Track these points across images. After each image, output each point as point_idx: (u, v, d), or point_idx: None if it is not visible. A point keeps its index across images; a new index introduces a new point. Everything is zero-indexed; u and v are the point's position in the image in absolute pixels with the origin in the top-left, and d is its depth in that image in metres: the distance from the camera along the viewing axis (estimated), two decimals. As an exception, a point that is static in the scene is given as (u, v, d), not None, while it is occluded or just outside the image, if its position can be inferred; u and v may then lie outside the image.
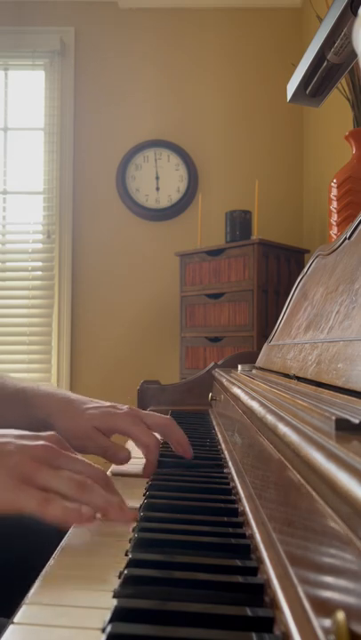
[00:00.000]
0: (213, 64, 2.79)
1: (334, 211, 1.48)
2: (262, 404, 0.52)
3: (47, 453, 0.49)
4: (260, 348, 1.16)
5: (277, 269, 2.17)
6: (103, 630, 0.32)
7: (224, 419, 0.95)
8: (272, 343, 1.02)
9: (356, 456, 0.26)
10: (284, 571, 0.35)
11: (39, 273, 2.81)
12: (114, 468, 0.73)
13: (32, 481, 0.47)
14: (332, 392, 0.52)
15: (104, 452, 0.71)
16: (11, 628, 0.33)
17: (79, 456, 0.53)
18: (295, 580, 0.33)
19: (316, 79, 0.65)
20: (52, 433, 0.53)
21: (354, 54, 0.60)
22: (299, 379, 0.68)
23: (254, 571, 0.40)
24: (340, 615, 0.23)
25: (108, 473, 0.72)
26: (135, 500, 0.56)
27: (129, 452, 0.71)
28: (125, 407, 0.72)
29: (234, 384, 0.80)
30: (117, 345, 2.74)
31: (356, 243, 0.70)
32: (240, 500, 0.55)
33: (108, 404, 0.74)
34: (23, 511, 0.45)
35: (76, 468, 0.50)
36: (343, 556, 0.24)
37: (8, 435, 0.51)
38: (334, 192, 1.48)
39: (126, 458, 0.71)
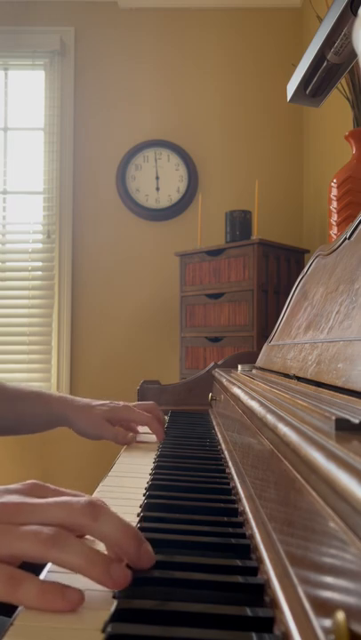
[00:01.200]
0: (213, 64, 2.79)
1: (334, 211, 1.48)
2: (262, 404, 0.52)
3: (6, 510, 0.39)
4: (260, 348, 1.16)
5: (277, 269, 2.17)
6: (103, 630, 0.32)
7: (224, 419, 0.95)
8: (272, 343, 1.02)
9: (357, 456, 0.26)
10: (284, 571, 0.35)
11: (39, 273, 2.81)
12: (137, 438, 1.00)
13: None
14: (332, 392, 0.52)
15: (115, 437, 0.95)
16: (11, 628, 0.33)
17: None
18: (295, 580, 0.33)
19: (316, 79, 0.65)
20: (27, 482, 0.43)
21: (354, 54, 0.60)
22: (299, 379, 0.68)
23: (254, 571, 0.40)
24: (340, 615, 0.23)
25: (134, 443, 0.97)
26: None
27: (133, 436, 0.98)
28: (121, 403, 0.98)
29: (234, 384, 0.80)
30: (117, 345, 2.74)
31: (356, 243, 0.70)
32: (240, 499, 0.55)
33: (108, 401, 0.99)
34: None
35: (48, 516, 0.38)
36: (343, 556, 0.24)
37: None
38: (334, 192, 1.48)
39: (132, 439, 0.97)
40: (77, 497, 0.40)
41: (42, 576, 0.39)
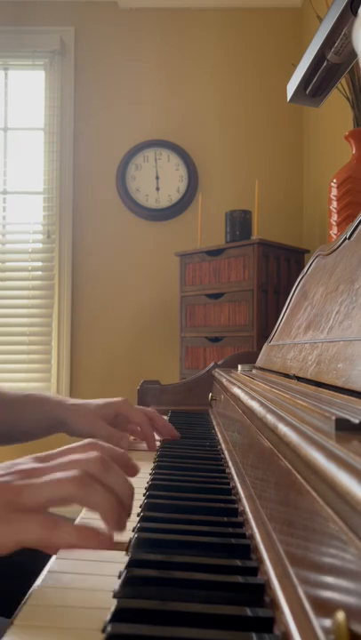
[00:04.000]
0: (213, 64, 2.79)
1: (334, 211, 1.48)
2: (262, 404, 0.52)
3: (24, 473, 0.42)
4: (260, 348, 1.16)
5: (277, 269, 2.17)
6: (103, 630, 0.32)
7: (224, 419, 0.95)
8: (272, 343, 1.02)
9: (357, 456, 0.26)
10: (285, 571, 0.35)
11: (39, 273, 2.81)
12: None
13: (20, 505, 0.39)
14: (332, 392, 0.52)
15: (109, 438, 0.87)
16: (12, 628, 0.33)
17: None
18: (295, 580, 0.33)
19: (316, 79, 0.65)
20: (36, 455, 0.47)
21: (354, 54, 0.60)
22: (299, 379, 0.68)
23: (254, 571, 0.40)
24: (340, 615, 0.23)
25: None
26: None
27: (128, 438, 0.90)
28: (119, 398, 0.92)
29: (234, 384, 0.80)
30: (117, 345, 2.74)
31: (356, 243, 0.70)
32: (240, 499, 0.55)
33: (107, 399, 0.93)
34: (25, 544, 0.39)
35: (66, 466, 0.43)
36: (343, 556, 0.24)
37: None
38: (334, 192, 1.48)
39: (126, 444, 0.88)
40: (88, 454, 0.45)
41: (47, 567, 0.41)
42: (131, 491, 0.45)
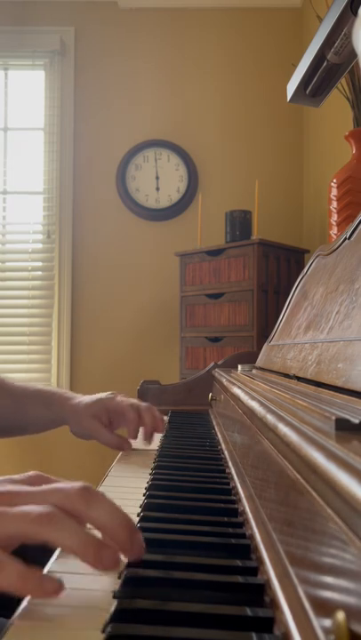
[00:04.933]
0: (213, 64, 2.79)
1: (334, 211, 1.48)
2: (262, 404, 0.52)
3: (3, 497, 0.39)
4: (260, 348, 1.16)
5: (277, 269, 2.17)
6: (103, 630, 0.32)
7: (224, 419, 0.95)
8: (272, 343, 1.02)
9: (357, 456, 0.26)
10: (285, 571, 0.35)
11: (39, 273, 2.81)
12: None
13: None
14: (332, 392, 0.52)
15: (108, 443, 0.88)
16: (11, 628, 0.33)
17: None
18: (295, 580, 0.33)
19: (316, 79, 0.65)
20: (29, 473, 0.45)
21: (354, 54, 0.60)
22: (299, 379, 0.68)
23: (254, 571, 0.40)
24: (340, 615, 0.23)
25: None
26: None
27: (128, 442, 0.89)
28: (108, 392, 0.92)
29: (234, 384, 0.80)
30: (117, 345, 2.74)
31: (356, 243, 0.70)
32: (240, 500, 0.55)
33: (102, 394, 0.92)
34: None
35: (43, 501, 0.39)
36: (343, 556, 0.24)
37: None
38: (334, 192, 1.48)
39: (128, 446, 0.89)
40: (72, 483, 0.40)
41: (47, 567, 0.40)
42: (122, 523, 0.39)
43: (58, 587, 0.35)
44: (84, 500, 0.39)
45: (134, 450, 0.91)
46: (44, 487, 0.40)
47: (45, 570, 0.40)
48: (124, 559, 0.39)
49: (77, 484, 0.40)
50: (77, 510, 0.38)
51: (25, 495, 0.39)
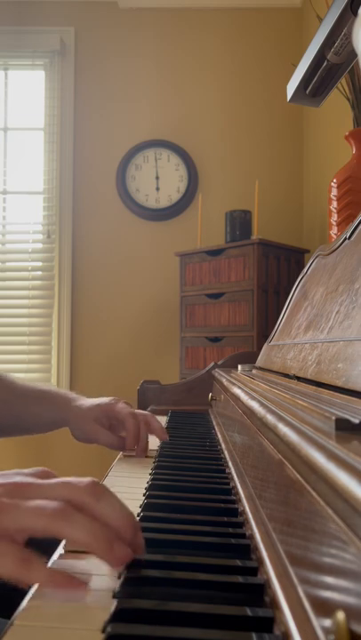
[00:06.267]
0: (213, 64, 2.79)
1: (334, 211, 1.48)
2: (262, 404, 0.52)
3: (15, 488, 0.40)
4: (260, 348, 1.16)
5: (277, 269, 2.17)
6: (103, 630, 0.32)
7: (224, 419, 0.95)
8: (272, 343, 1.02)
9: (357, 456, 0.26)
10: (285, 571, 0.35)
11: (39, 273, 2.81)
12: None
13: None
14: (332, 392, 0.52)
15: (109, 444, 0.88)
16: (11, 628, 0.33)
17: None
18: (295, 580, 0.33)
19: (316, 79, 0.65)
20: (37, 468, 0.45)
21: (354, 54, 0.60)
22: (299, 379, 0.68)
23: (254, 571, 0.40)
24: (340, 615, 0.23)
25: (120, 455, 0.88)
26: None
27: (130, 445, 0.87)
28: (110, 398, 0.91)
29: (234, 384, 0.80)
30: (117, 345, 2.74)
31: (356, 243, 0.70)
32: (240, 500, 0.55)
33: (104, 398, 0.91)
34: None
35: (53, 493, 0.40)
36: (343, 556, 0.24)
37: None
38: (334, 192, 1.48)
39: (129, 445, 0.87)
40: (81, 478, 0.41)
41: (52, 560, 0.41)
42: (128, 520, 0.40)
43: (82, 584, 0.37)
44: (93, 495, 0.40)
45: (134, 450, 0.90)
46: (54, 480, 0.41)
47: (55, 552, 0.41)
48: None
49: (86, 479, 0.41)
50: (87, 504, 0.39)
51: (36, 487, 0.40)
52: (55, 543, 0.43)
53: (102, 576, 0.40)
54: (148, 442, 0.89)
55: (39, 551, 0.38)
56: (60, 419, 0.93)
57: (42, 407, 0.94)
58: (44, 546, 0.41)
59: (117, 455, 0.88)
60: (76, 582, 0.37)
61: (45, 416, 0.94)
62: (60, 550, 0.44)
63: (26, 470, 0.44)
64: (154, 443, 0.91)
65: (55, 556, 0.43)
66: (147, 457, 0.86)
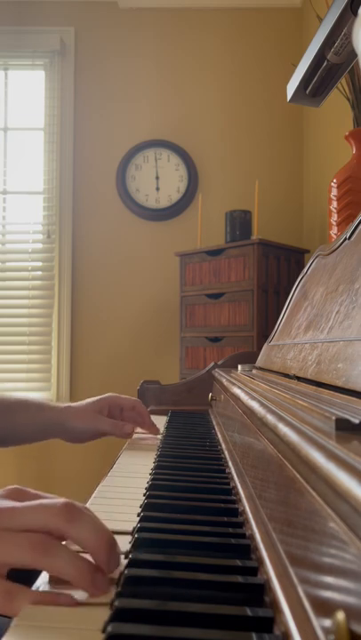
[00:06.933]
0: (213, 64, 2.79)
1: (334, 211, 1.48)
2: (262, 404, 0.52)
3: None
4: (260, 348, 1.16)
5: (277, 269, 2.17)
6: (103, 630, 0.32)
7: (224, 419, 0.95)
8: (272, 343, 1.02)
9: (357, 456, 0.26)
10: (285, 571, 0.35)
11: (39, 273, 2.81)
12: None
13: None
14: (332, 392, 0.52)
15: (112, 429, 0.93)
16: (11, 628, 0.33)
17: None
18: (295, 580, 0.33)
19: (316, 79, 0.65)
20: (7, 488, 0.44)
21: (354, 54, 0.60)
22: (299, 379, 0.68)
23: (254, 571, 0.40)
24: (340, 615, 0.23)
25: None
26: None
27: (132, 427, 0.95)
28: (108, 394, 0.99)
29: (234, 384, 0.80)
30: (117, 345, 2.74)
31: (356, 243, 0.70)
32: (240, 499, 0.55)
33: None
34: None
35: (26, 519, 0.39)
36: (343, 556, 0.24)
37: None
38: (334, 192, 1.48)
39: (130, 430, 0.94)
40: (54, 500, 0.41)
41: (36, 584, 0.40)
42: (102, 541, 0.39)
43: (72, 601, 0.37)
44: (66, 520, 0.39)
45: (134, 449, 0.91)
46: (27, 504, 0.40)
47: (39, 579, 0.41)
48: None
49: (60, 501, 0.40)
50: (60, 530, 0.39)
51: (10, 513, 0.39)
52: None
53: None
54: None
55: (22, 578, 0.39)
56: (53, 426, 0.94)
57: (28, 413, 0.95)
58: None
59: (117, 456, 0.88)
60: (63, 600, 0.36)
61: (33, 422, 0.95)
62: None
63: None
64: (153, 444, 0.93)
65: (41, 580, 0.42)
66: (147, 454, 0.86)
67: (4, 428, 0.95)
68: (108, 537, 0.40)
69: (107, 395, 0.98)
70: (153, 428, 1.00)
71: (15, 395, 0.99)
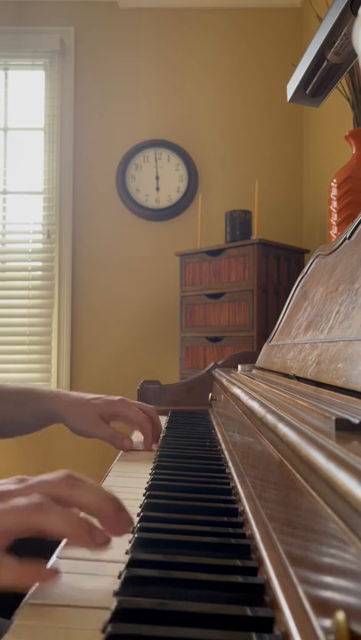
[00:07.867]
0: (213, 64, 2.79)
1: (334, 211, 1.48)
2: (262, 404, 0.52)
3: None
4: (260, 348, 1.16)
5: (277, 269, 2.17)
6: (103, 630, 0.32)
7: (224, 419, 0.95)
8: (272, 343, 1.02)
9: (357, 456, 0.26)
10: (285, 571, 0.35)
11: (39, 273, 2.81)
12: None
13: None
14: (332, 392, 0.52)
15: (111, 439, 0.88)
16: (11, 628, 0.33)
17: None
18: (295, 580, 0.33)
19: (316, 79, 0.65)
20: (15, 477, 0.44)
21: (354, 54, 0.60)
22: (299, 379, 0.68)
23: (254, 571, 0.40)
24: (340, 615, 0.23)
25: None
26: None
27: (132, 440, 0.89)
28: (117, 397, 0.90)
29: (234, 384, 0.80)
30: (117, 345, 2.74)
31: (356, 243, 0.70)
32: (240, 499, 0.55)
33: (102, 395, 0.91)
34: None
35: (33, 488, 0.40)
36: (343, 556, 0.24)
37: None
38: (334, 192, 1.48)
39: (130, 445, 0.88)
40: (56, 473, 0.42)
41: (50, 562, 0.41)
42: (106, 500, 0.40)
43: (53, 572, 0.37)
44: (67, 485, 0.40)
45: (134, 450, 0.91)
46: (29, 482, 0.41)
47: (53, 556, 0.41)
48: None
49: (60, 472, 0.41)
50: (62, 496, 0.39)
51: (12, 493, 0.40)
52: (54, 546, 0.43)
53: (102, 576, 0.40)
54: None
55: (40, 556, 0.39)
56: (48, 415, 0.92)
57: (29, 403, 0.92)
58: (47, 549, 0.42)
59: (117, 455, 0.88)
60: (47, 573, 0.37)
61: (34, 411, 0.92)
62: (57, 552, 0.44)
63: (1, 480, 0.44)
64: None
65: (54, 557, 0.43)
66: (147, 454, 0.86)
67: (3, 418, 0.93)
68: (112, 496, 0.41)
69: (115, 401, 0.90)
70: (150, 448, 0.91)
71: (12, 384, 0.96)
